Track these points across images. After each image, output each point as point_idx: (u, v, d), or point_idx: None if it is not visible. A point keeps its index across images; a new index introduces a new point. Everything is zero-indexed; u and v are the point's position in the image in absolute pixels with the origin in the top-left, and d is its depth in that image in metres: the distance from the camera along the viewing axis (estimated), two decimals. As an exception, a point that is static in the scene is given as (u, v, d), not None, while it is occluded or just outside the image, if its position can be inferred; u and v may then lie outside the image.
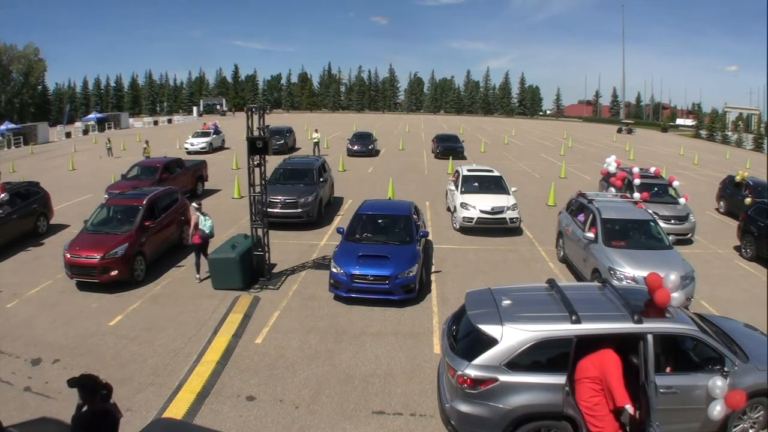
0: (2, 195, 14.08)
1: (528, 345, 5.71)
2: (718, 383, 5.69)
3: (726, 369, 5.92)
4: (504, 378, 5.65)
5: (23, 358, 8.47)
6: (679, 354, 6.37)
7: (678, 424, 5.93)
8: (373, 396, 7.56)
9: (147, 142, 29.43)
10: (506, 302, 6.33)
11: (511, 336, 5.74)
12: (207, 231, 11.77)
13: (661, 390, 5.72)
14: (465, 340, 6.18)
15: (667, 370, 6.14)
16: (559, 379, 5.68)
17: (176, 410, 7.06)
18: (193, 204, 12.52)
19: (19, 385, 7.70)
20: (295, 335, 9.36)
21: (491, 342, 5.78)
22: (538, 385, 5.68)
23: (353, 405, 7.35)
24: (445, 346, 6.42)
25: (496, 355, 5.70)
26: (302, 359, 8.55)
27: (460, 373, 5.75)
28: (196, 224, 11.80)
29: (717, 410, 5.64)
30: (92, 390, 4.33)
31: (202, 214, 11.82)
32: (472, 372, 5.71)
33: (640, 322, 5.82)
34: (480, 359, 5.73)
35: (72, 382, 4.32)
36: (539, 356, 5.81)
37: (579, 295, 6.48)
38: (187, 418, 6.88)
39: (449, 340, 6.49)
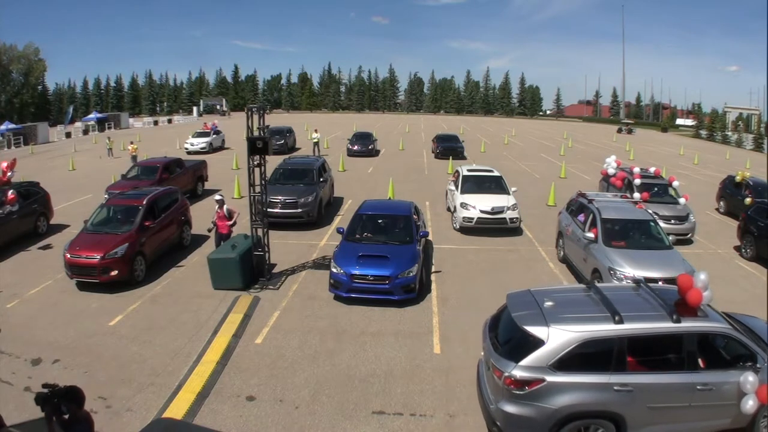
0: (13, 206, 14.01)
1: (573, 345, 5.80)
2: (750, 379, 5.85)
3: (758, 365, 6.07)
4: (550, 378, 5.73)
5: (23, 358, 8.47)
6: (711, 351, 6.48)
7: (712, 420, 6.12)
8: (373, 396, 7.56)
9: (132, 143, 29.33)
10: (548, 303, 6.42)
11: (557, 337, 5.83)
12: (232, 222, 12.64)
13: (698, 387, 5.90)
14: (510, 341, 6.23)
15: (701, 367, 6.26)
16: (604, 378, 5.78)
17: (176, 410, 7.06)
18: (217, 197, 12.88)
19: (19, 385, 7.70)
20: (295, 335, 9.36)
21: (538, 343, 5.86)
22: (584, 385, 5.78)
23: (353, 405, 7.35)
24: (489, 348, 6.46)
25: (543, 355, 5.78)
26: (302, 359, 8.55)
27: (507, 374, 5.80)
28: (225, 215, 12.53)
29: (750, 404, 5.83)
30: (82, 399, 4.04)
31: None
32: (519, 373, 5.78)
33: (678, 321, 6.00)
34: (527, 360, 5.80)
35: (54, 394, 3.80)
36: (584, 356, 5.87)
37: (617, 296, 6.59)
38: (187, 418, 6.88)
39: (492, 342, 6.53)
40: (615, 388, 5.78)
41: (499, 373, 5.90)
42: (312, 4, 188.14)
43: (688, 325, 6.02)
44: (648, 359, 6.17)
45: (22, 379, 7.87)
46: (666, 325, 6.01)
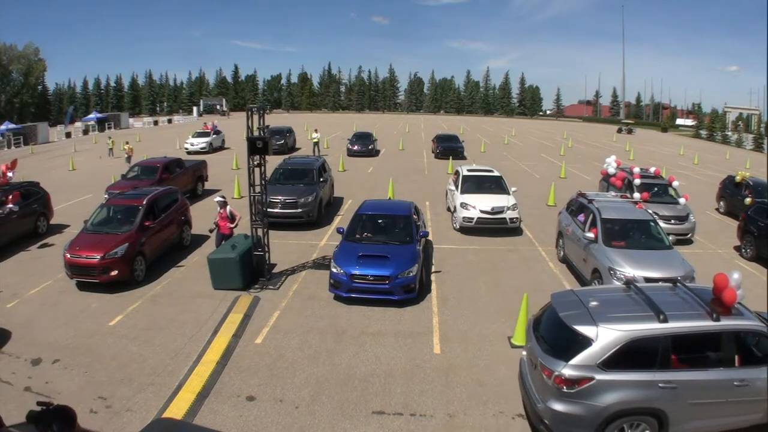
0: (13, 206, 14.00)
1: (621, 344, 5.91)
2: None
3: None
4: (599, 377, 5.84)
5: (23, 358, 8.46)
6: (744, 349, 6.56)
7: (745, 415, 6.25)
8: (373, 396, 7.56)
9: (127, 143, 29.23)
10: (594, 303, 6.58)
11: (606, 336, 5.94)
12: (234, 224, 12.68)
13: (735, 383, 6.03)
14: (558, 340, 6.34)
15: (737, 364, 6.35)
16: (649, 376, 5.92)
17: (176, 410, 7.06)
18: (218, 198, 12.93)
19: (19, 385, 7.70)
20: (295, 335, 9.36)
21: (587, 342, 5.97)
22: (630, 383, 5.91)
23: (353, 405, 7.35)
24: (535, 347, 6.54)
25: (592, 354, 5.90)
26: (302, 359, 8.55)
27: (557, 373, 5.91)
28: (228, 216, 12.57)
29: None
30: (73, 419, 3.76)
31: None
32: (569, 372, 5.89)
33: (718, 319, 6.16)
34: (577, 359, 5.91)
35: (46, 413, 3.56)
36: (631, 354, 5.97)
37: (657, 295, 6.70)
38: (187, 418, 6.88)
39: (538, 341, 6.61)
40: (660, 385, 5.92)
41: (549, 372, 6.01)
42: (312, 4, 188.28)
43: (726, 323, 6.18)
44: (689, 357, 6.30)
45: (22, 379, 7.87)
46: (707, 324, 6.17)
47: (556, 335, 6.42)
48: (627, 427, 5.98)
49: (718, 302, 6.45)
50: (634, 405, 5.89)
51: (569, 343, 6.09)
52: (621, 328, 5.98)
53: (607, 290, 7.39)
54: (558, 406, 5.95)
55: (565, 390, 5.89)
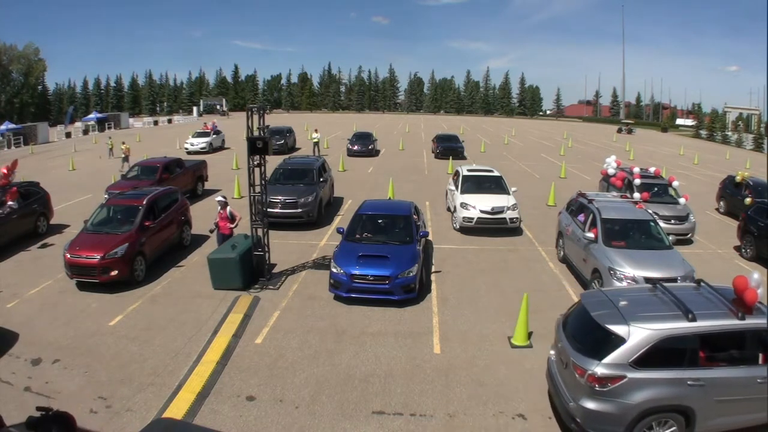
0: (13, 203, 13.97)
1: (652, 343, 6.02)
2: None
3: None
4: (631, 375, 5.94)
5: (23, 358, 8.46)
6: (765, 346, 6.65)
7: (766, 411, 6.31)
8: (373, 396, 7.56)
9: (123, 143, 29.10)
10: (624, 303, 6.69)
11: (637, 335, 6.04)
12: (234, 224, 12.72)
13: (758, 380, 6.15)
14: (589, 339, 6.43)
15: (760, 361, 6.42)
16: (678, 374, 6.03)
17: (176, 410, 7.06)
18: (219, 198, 12.94)
19: (19, 385, 7.70)
20: (295, 335, 9.36)
21: (619, 341, 6.06)
22: (660, 381, 6.02)
23: (353, 405, 7.35)
24: (566, 347, 6.62)
25: (624, 353, 6.00)
26: (302, 359, 8.55)
27: (590, 372, 6.01)
28: (228, 217, 12.59)
29: None
30: (72, 425, 3.89)
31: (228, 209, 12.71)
32: (602, 370, 5.98)
33: (743, 318, 6.27)
34: (609, 358, 6.01)
35: (45, 419, 3.48)
36: (661, 353, 6.07)
37: (683, 295, 6.80)
38: (187, 418, 6.88)
39: (569, 341, 6.68)
40: (688, 382, 6.02)
41: (582, 371, 6.09)
42: (312, 4, 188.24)
43: (751, 321, 6.29)
44: (716, 355, 6.40)
45: (22, 379, 7.87)
46: (733, 322, 6.27)
47: (587, 334, 6.52)
48: (656, 425, 6.10)
49: (739, 302, 6.55)
50: (664, 402, 6.02)
51: (601, 342, 6.20)
52: (652, 327, 6.09)
53: (634, 290, 7.51)
54: (590, 405, 6.05)
55: (598, 388, 6.00)
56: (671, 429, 6.12)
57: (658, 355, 6.01)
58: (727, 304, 6.54)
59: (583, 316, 6.71)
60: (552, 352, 7.26)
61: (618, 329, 6.14)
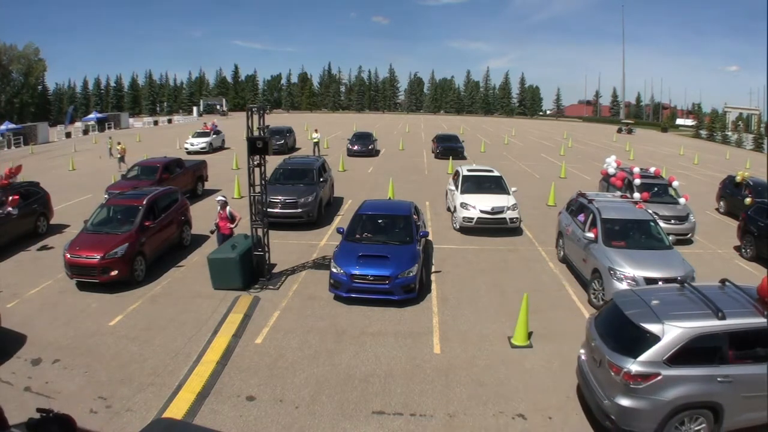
0: (12, 209, 13.91)
1: (686, 341, 6.17)
2: None
3: None
4: (665, 372, 6.09)
5: (23, 358, 8.46)
6: None
7: None
8: (373, 396, 7.56)
9: (119, 143, 29.03)
10: (655, 302, 6.80)
11: (671, 333, 6.19)
12: (234, 224, 12.76)
13: None
14: (624, 338, 6.56)
15: None
16: (709, 371, 6.17)
17: (176, 410, 7.06)
18: (219, 198, 12.97)
19: (19, 385, 7.70)
20: (295, 335, 9.36)
21: (654, 339, 6.21)
22: (692, 378, 6.16)
23: (353, 405, 7.35)
24: (601, 345, 6.72)
25: (659, 351, 6.15)
26: (302, 359, 8.55)
27: (626, 369, 6.13)
28: (228, 217, 12.62)
29: None
30: (73, 427, 3.60)
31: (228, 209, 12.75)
32: (637, 368, 6.12)
33: None
34: (645, 356, 6.15)
35: (45, 420, 3.49)
36: (692, 350, 6.21)
37: (711, 294, 6.89)
38: (187, 418, 6.88)
39: (603, 339, 6.76)
40: (718, 379, 6.15)
41: (617, 369, 6.22)
42: (312, 4, 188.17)
43: None
44: (743, 352, 6.49)
45: (22, 379, 7.87)
46: (759, 320, 6.39)
47: (622, 333, 6.63)
48: (686, 421, 6.24)
49: (762, 301, 6.67)
50: (695, 399, 6.15)
51: (636, 341, 6.32)
52: (685, 325, 6.23)
53: (663, 289, 7.66)
54: (625, 402, 6.17)
55: (633, 386, 6.12)
56: (701, 425, 6.26)
57: (689, 352, 6.17)
58: (753, 303, 6.67)
59: (617, 316, 6.84)
60: (582, 350, 7.38)
61: (653, 328, 6.28)
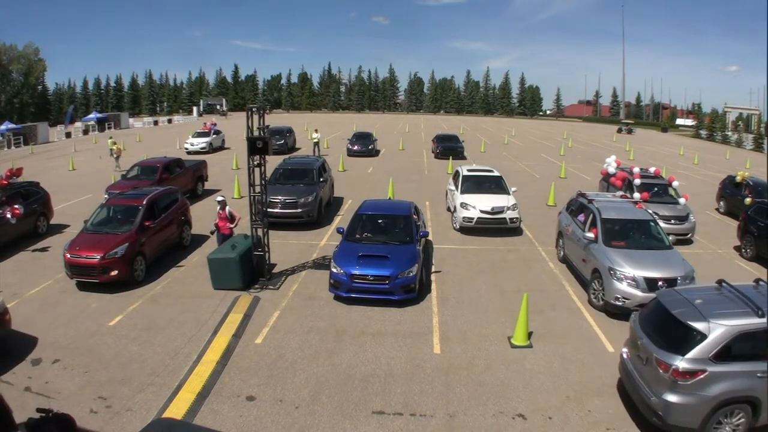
0: (11, 218, 13.80)
1: (730, 338, 6.37)
2: None
3: None
4: (710, 369, 6.31)
5: (23, 358, 8.45)
6: None
7: None
8: (373, 396, 7.56)
9: (115, 143, 28.93)
10: (699, 301, 7.02)
11: (717, 331, 6.40)
12: (234, 224, 12.82)
13: None
14: (671, 336, 6.76)
15: None
16: (749, 367, 6.37)
17: (176, 410, 7.06)
18: (219, 198, 13.01)
19: (19, 385, 7.70)
20: (295, 335, 9.36)
21: (700, 337, 6.43)
22: (735, 373, 6.37)
23: (353, 405, 7.35)
24: (648, 344, 6.89)
25: (705, 348, 6.37)
26: (302, 359, 8.55)
27: (675, 366, 6.35)
28: (227, 217, 12.66)
29: None
30: (72, 426, 3.69)
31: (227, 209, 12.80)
32: (685, 365, 6.33)
33: None
34: (692, 353, 6.37)
35: (45, 420, 3.52)
36: (735, 347, 6.42)
37: (747, 293, 7.07)
38: (187, 418, 6.88)
39: (650, 338, 6.94)
40: (758, 375, 6.33)
41: (666, 366, 6.43)
42: (312, 4, 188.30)
43: None
44: None
45: (22, 379, 7.87)
46: None
47: (669, 331, 6.82)
48: (728, 415, 6.43)
49: None
50: (737, 394, 6.35)
51: (683, 339, 6.54)
52: (729, 323, 6.43)
53: (703, 289, 7.85)
54: (672, 398, 6.37)
55: (680, 382, 6.33)
56: (740, 419, 6.45)
57: (732, 349, 6.37)
58: None
59: (664, 315, 7.05)
60: (625, 349, 7.57)
61: (699, 326, 6.48)
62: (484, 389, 7.77)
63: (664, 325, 6.95)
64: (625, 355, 7.49)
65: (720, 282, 7.55)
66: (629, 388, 7.26)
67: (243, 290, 11.16)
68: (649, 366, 6.75)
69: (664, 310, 7.08)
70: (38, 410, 3.68)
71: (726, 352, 6.34)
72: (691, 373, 6.29)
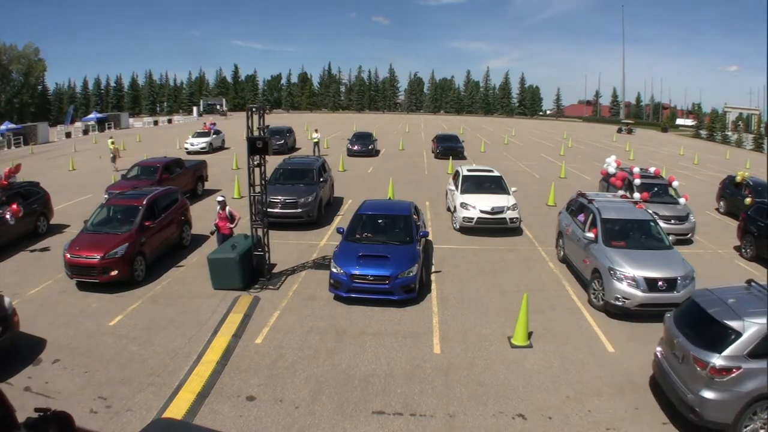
0: (10, 218, 13.74)
1: (763, 335, 6.56)
2: None
3: None
4: (746, 365, 6.51)
5: (23, 359, 8.45)
6: None
7: None
8: (373, 396, 7.56)
9: (112, 142, 28.87)
10: (732, 300, 7.19)
11: (752, 329, 6.61)
12: (233, 224, 12.84)
13: None
14: (708, 334, 6.95)
15: None
16: None
17: (176, 410, 7.06)
18: (219, 198, 13.05)
19: (19, 385, 7.70)
20: (295, 335, 9.36)
21: (736, 335, 6.64)
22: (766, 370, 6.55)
23: (353, 405, 7.35)
24: (685, 342, 7.07)
25: (741, 345, 6.59)
26: (302, 359, 8.55)
27: (712, 364, 6.56)
28: (227, 217, 12.68)
29: None
30: (71, 424, 3.59)
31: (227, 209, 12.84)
32: (722, 362, 6.53)
33: None
34: (728, 351, 6.57)
35: (43, 419, 3.48)
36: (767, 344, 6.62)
37: None
38: (187, 418, 6.88)
39: (686, 336, 7.12)
40: None
41: (703, 363, 6.63)
42: (312, 4, 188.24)
43: None
44: None
45: (22, 379, 7.87)
46: None
47: (705, 330, 7.01)
48: (760, 411, 6.57)
49: None
50: None
51: (720, 337, 6.73)
52: (761, 321, 6.61)
53: (734, 289, 8.00)
54: (708, 395, 6.56)
55: (717, 379, 6.52)
56: None
57: (765, 346, 6.54)
58: None
59: (700, 314, 7.25)
60: (659, 348, 7.75)
61: (735, 324, 6.68)
62: (484, 389, 7.77)
63: (700, 324, 7.15)
64: (659, 354, 7.67)
65: (749, 282, 7.75)
66: (664, 385, 7.44)
67: (243, 290, 11.15)
68: (685, 364, 6.95)
69: (699, 309, 7.29)
70: (36, 410, 3.67)
71: (759, 349, 6.51)
72: (727, 370, 6.48)
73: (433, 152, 34.74)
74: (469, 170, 18.15)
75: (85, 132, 54.43)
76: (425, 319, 10.06)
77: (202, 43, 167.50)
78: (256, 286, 11.44)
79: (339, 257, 10.87)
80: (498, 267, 13.12)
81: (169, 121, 73.41)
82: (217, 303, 10.62)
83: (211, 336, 9.24)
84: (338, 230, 12.42)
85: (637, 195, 14.65)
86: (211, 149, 34.76)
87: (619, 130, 65.07)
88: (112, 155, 27.10)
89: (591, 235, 11.43)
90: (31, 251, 14.09)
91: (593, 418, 7.14)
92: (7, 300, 8.59)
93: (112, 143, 28.33)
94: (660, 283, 9.86)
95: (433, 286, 11.72)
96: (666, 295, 9.85)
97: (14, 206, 13.83)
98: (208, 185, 22.26)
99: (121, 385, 7.73)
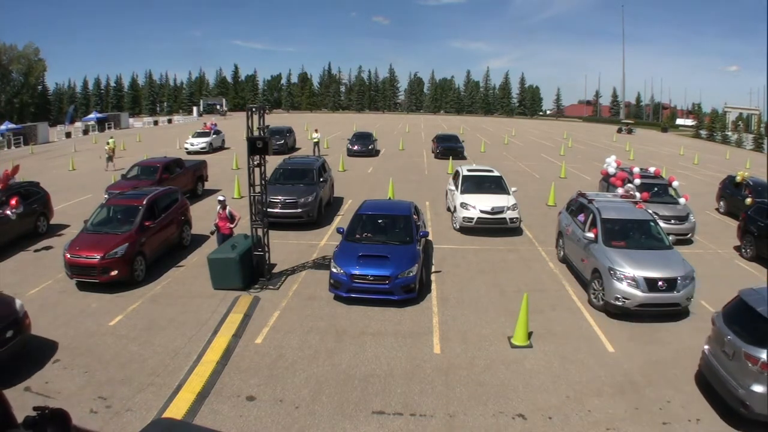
0: (11, 212, 13.75)
1: None
2: None
3: None
4: None
5: (23, 358, 8.45)
6: None
7: None
8: (373, 396, 7.56)
9: (108, 142, 28.81)
10: None
11: None
12: (233, 224, 12.83)
13: None
14: (758, 332, 7.10)
15: None
16: None
17: (176, 410, 7.06)
18: (219, 198, 13.08)
19: (19, 385, 7.69)
20: (295, 335, 9.36)
21: None
22: None
23: (353, 405, 7.35)
24: (736, 340, 7.23)
25: None
26: (302, 359, 8.55)
27: (764, 360, 6.73)
28: (228, 217, 12.68)
29: None
30: (68, 422, 3.67)
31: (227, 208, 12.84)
32: None
33: None
34: None
35: (41, 418, 3.49)
36: None
37: None
38: (187, 418, 6.88)
39: (737, 335, 7.26)
40: None
41: (755, 359, 6.79)
42: (312, 4, 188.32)
43: None
44: None
45: (22, 379, 7.85)
46: None
47: (756, 327, 7.14)
48: None
49: None
50: None
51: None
52: None
53: None
54: (759, 389, 6.73)
55: (767, 374, 6.68)
56: None
57: None
58: None
59: (749, 312, 7.41)
60: (706, 346, 7.90)
61: None
62: (484, 389, 7.77)
63: (750, 322, 7.28)
64: (707, 351, 7.82)
65: None
66: (713, 381, 7.60)
67: (243, 290, 11.15)
68: (735, 360, 7.11)
69: (749, 308, 7.44)
70: (35, 408, 3.67)
71: None
72: None
73: (433, 152, 34.74)
74: (469, 170, 18.15)
75: (85, 132, 54.41)
76: (425, 319, 10.06)
77: (202, 43, 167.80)
78: (256, 286, 11.44)
79: (339, 257, 10.87)
80: (498, 267, 13.12)
81: (169, 121, 73.41)
82: (217, 303, 10.62)
83: (211, 336, 9.24)
84: (338, 230, 12.42)
85: (637, 195, 14.64)
86: (211, 149, 34.76)
87: (619, 130, 65.07)
88: (108, 155, 27.09)
89: (591, 235, 11.43)
90: (31, 251, 14.08)
91: (593, 418, 7.14)
92: (18, 303, 8.54)
93: (108, 142, 28.33)
94: (660, 283, 9.86)
95: (433, 286, 11.72)
96: (666, 295, 9.85)
97: (13, 201, 13.83)
98: (208, 185, 22.26)
99: (121, 385, 7.73)
